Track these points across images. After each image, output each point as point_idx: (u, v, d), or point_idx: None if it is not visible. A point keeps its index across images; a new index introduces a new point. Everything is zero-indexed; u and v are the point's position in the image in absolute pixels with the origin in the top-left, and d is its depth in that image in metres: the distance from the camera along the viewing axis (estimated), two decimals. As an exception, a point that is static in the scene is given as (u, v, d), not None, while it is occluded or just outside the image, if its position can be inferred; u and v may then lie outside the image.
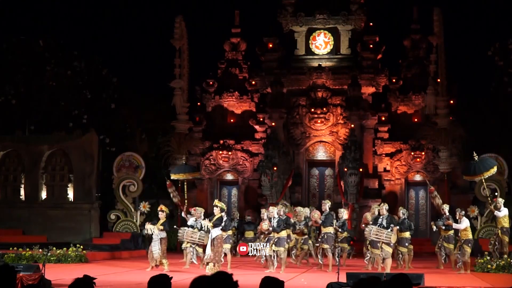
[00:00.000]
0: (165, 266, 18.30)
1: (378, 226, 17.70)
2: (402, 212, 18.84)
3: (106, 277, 15.78)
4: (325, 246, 18.81)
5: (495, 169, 19.53)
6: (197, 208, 19.58)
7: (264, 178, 27.64)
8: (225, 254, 18.39)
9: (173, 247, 27.49)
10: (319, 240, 19.12)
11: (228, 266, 18.46)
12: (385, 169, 30.30)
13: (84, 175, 26.12)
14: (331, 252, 18.72)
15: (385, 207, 18.16)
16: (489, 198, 20.47)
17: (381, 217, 17.95)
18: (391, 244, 17.53)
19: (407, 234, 18.59)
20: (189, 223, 19.45)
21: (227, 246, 18.59)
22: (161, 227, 18.54)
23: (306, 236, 20.41)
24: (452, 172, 27.65)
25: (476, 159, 19.48)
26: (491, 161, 20.14)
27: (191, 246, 19.07)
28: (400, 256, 18.80)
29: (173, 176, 24.33)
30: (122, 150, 28.33)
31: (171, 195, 24.76)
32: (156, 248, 18.35)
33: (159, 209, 19.09)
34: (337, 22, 31.39)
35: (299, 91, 31.08)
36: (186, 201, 23.87)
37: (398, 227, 17.95)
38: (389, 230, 17.54)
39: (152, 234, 18.56)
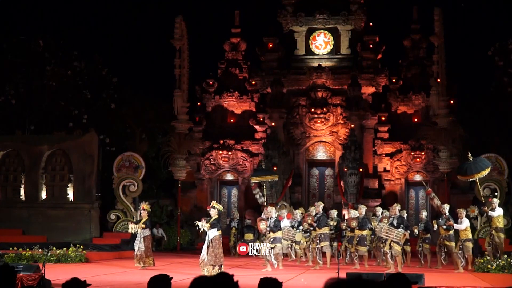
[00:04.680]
0: (151, 263, 18.94)
1: (389, 225, 18.15)
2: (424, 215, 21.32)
3: (106, 277, 15.78)
4: (324, 243, 19.13)
5: (488, 170, 19.46)
6: (268, 207, 20.46)
7: (264, 178, 27.64)
8: None
9: (173, 247, 27.51)
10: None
11: None
12: (385, 169, 30.31)
13: (84, 175, 26.08)
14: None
15: (397, 207, 18.86)
16: (483, 198, 20.46)
17: (393, 216, 18.57)
18: (400, 243, 18.06)
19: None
20: (283, 224, 20.29)
21: None
22: (143, 226, 19.07)
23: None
24: (452, 172, 27.62)
25: (471, 159, 19.45)
26: (485, 162, 20.00)
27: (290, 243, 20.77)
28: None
29: (253, 180, 25.01)
30: (122, 150, 28.32)
31: (257, 196, 26.38)
32: (137, 246, 19.00)
33: (141, 208, 19.45)
34: (337, 22, 31.40)
35: (299, 91, 31.09)
36: (265, 202, 24.51)
37: (408, 231, 18.63)
38: (399, 229, 18.04)
39: (136, 233, 19.15)
